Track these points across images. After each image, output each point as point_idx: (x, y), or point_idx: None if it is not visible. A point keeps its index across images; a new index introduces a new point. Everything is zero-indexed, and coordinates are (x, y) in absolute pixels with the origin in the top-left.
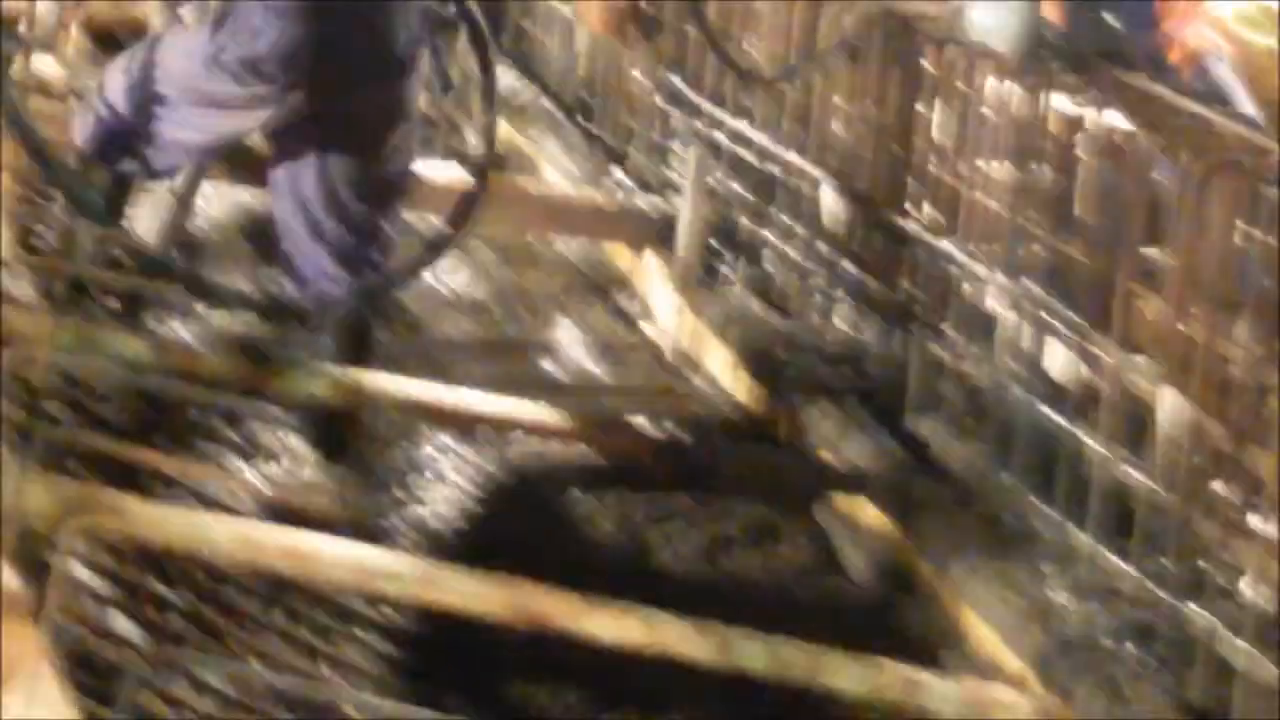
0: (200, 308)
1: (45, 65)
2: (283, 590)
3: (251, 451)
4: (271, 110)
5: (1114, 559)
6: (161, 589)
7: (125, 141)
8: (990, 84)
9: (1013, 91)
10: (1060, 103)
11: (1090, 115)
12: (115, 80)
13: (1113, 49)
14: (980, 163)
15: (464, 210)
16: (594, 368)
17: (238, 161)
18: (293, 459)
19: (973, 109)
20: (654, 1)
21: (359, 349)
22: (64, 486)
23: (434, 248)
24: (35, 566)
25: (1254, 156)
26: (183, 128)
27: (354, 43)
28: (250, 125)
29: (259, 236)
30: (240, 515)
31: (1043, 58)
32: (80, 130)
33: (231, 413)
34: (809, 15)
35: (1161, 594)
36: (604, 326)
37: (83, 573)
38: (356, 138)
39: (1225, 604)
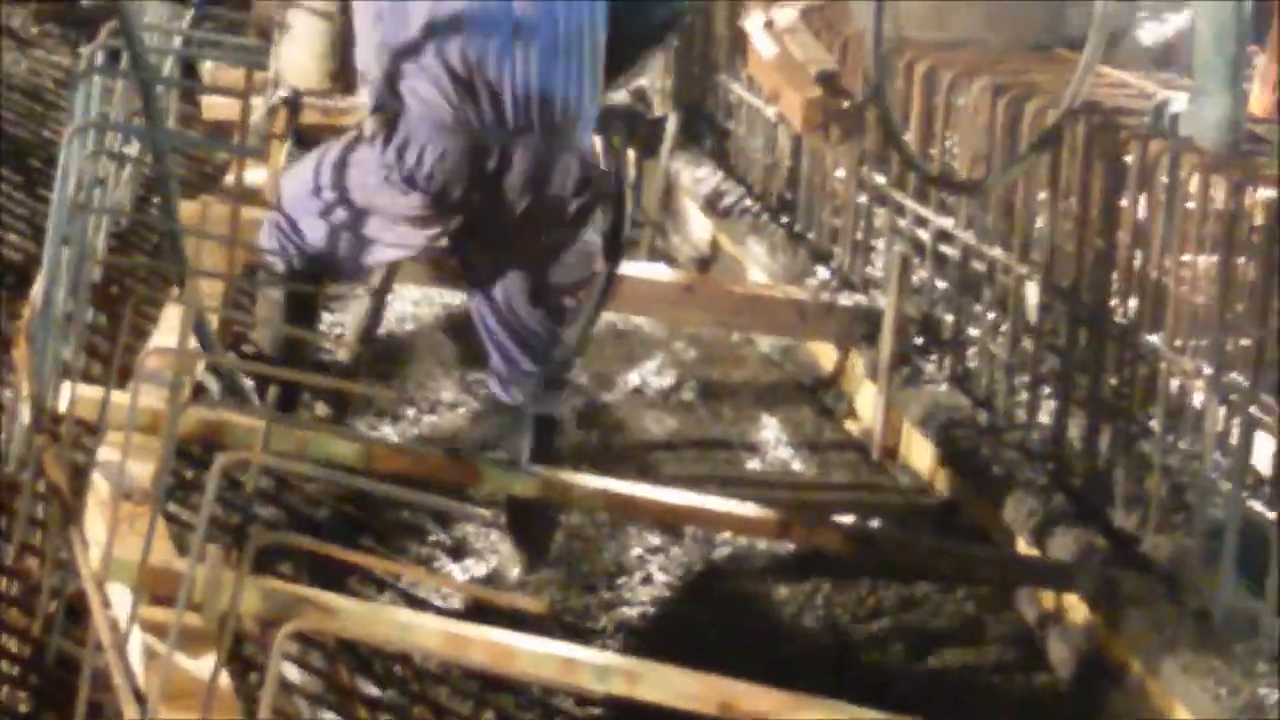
0: (407, 409)
1: (257, 175)
2: (493, 691)
3: (460, 552)
4: (437, 227)
5: None
6: (373, 690)
7: (306, 250)
8: (1194, 176)
9: (1217, 184)
10: (1266, 194)
11: None
12: (294, 189)
13: None
14: (1185, 256)
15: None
16: (798, 465)
17: (440, 264)
18: (500, 560)
19: (1177, 202)
20: (855, 101)
21: (560, 443)
22: (277, 589)
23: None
24: (248, 668)
25: None
26: (358, 238)
27: (511, 168)
28: (419, 241)
29: (461, 337)
30: (446, 613)
31: (1246, 151)
32: (266, 238)
33: (440, 513)
34: (1010, 113)
35: None
36: (808, 424)
37: (295, 674)
38: (525, 250)
39: None
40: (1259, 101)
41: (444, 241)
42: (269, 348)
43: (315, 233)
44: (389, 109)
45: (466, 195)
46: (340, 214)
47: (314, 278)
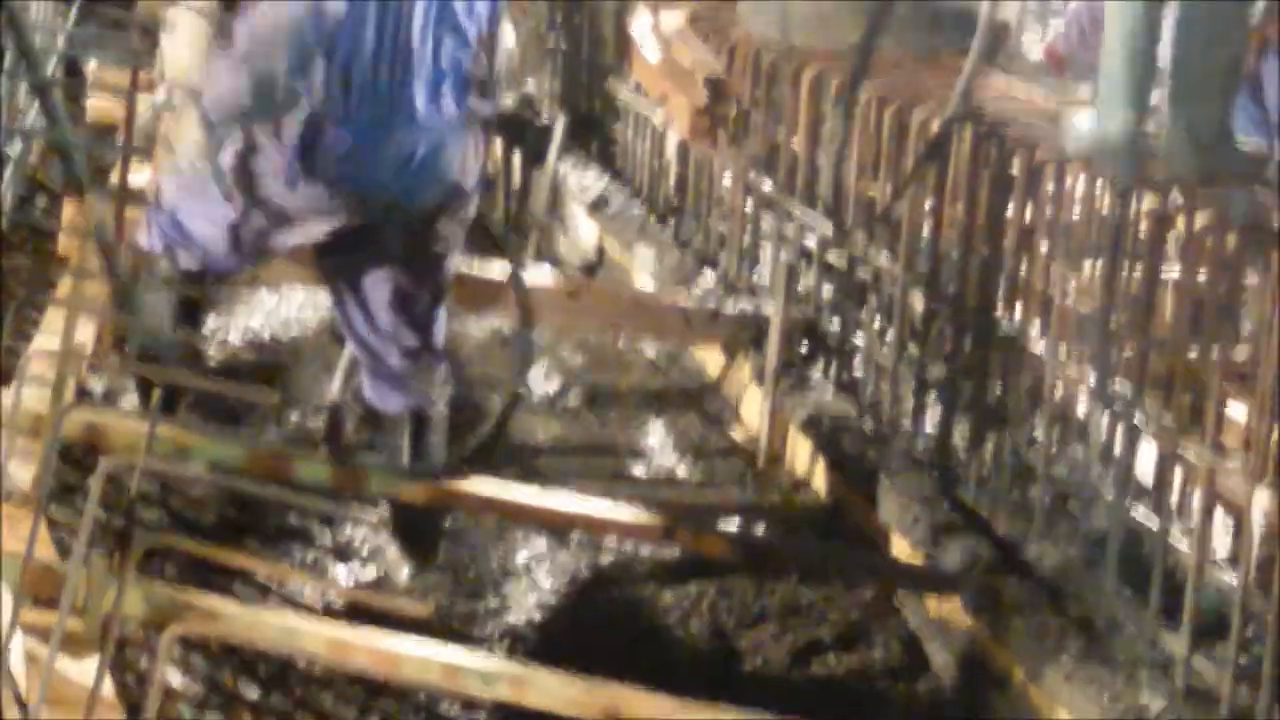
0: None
1: (141, 175)
2: (378, 695)
3: (346, 556)
4: (325, 223)
5: (1208, 662)
6: (256, 694)
7: (193, 248)
8: (1080, 186)
9: (1103, 193)
10: (1150, 203)
11: (1179, 216)
12: (181, 187)
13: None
14: (1070, 264)
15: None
16: (681, 469)
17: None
18: (385, 563)
19: (1062, 211)
20: (742, 108)
21: (442, 449)
22: (160, 592)
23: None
24: (132, 673)
25: None
26: (252, 233)
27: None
28: (315, 234)
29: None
30: (331, 617)
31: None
32: (148, 238)
33: (325, 516)
34: (897, 121)
35: (1256, 697)
36: (694, 430)
37: (179, 679)
38: (392, 251)
39: None
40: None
41: (317, 241)
42: (154, 349)
43: (204, 230)
44: (287, 107)
45: (359, 191)
46: (235, 210)
47: (199, 277)
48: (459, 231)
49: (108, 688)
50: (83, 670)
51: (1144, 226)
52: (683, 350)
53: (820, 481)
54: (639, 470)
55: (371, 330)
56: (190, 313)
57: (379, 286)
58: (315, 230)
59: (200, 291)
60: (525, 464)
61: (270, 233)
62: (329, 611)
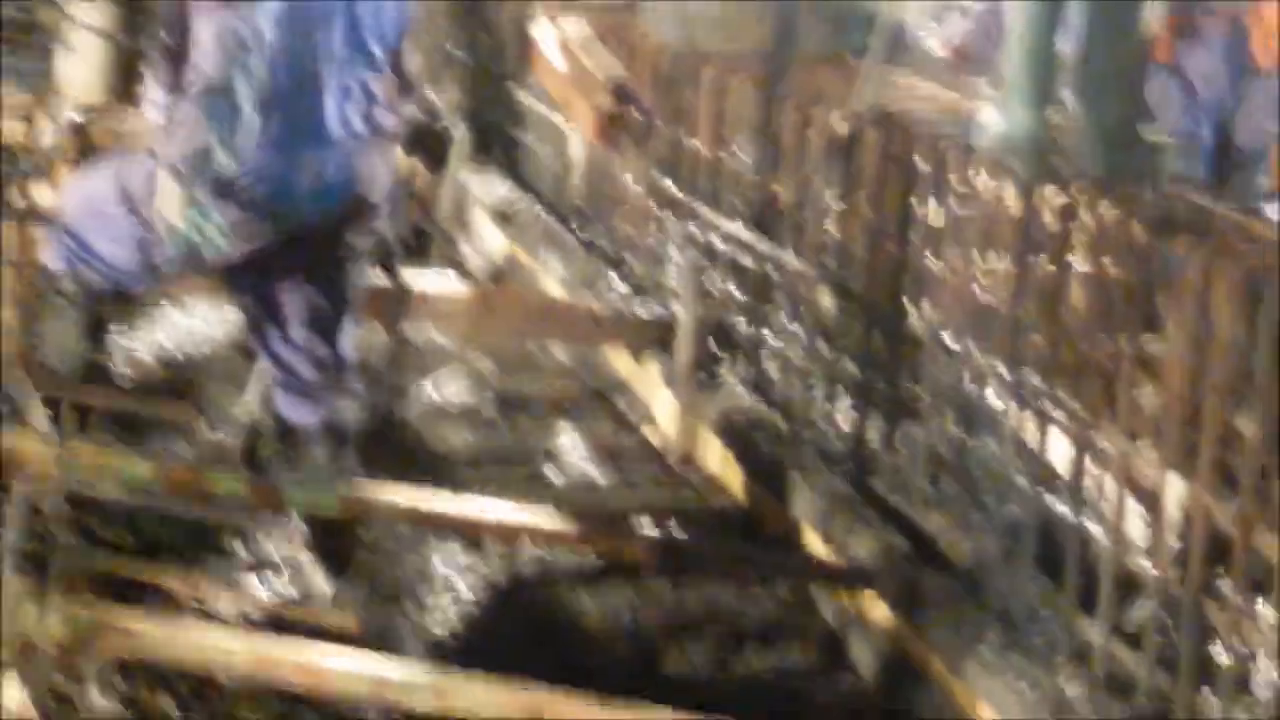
0: (202, 427)
1: (42, 192)
2: (296, 706)
3: (260, 567)
4: (244, 245)
5: (1125, 648)
6: (176, 712)
7: (101, 267)
8: (984, 178)
9: (1007, 186)
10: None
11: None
12: (87, 206)
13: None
14: (977, 257)
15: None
16: (595, 472)
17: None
18: (301, 573)
19: (968, 204)
20: (645, 109)
21: (356, 461)
22: (77, 611)
23: None
24: (50, 692)
25: (1254, 244)
26: (161, 251)
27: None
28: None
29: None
30: (251, 631)
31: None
32: (52, 255)
33: (239, 529)
34: (798, 118)
35: (1174, 683)
36: (604, 431)
37: (98, 697)
38: (303, 267)
39: (1238, 691)
40: (1267, 53)
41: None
42: (62, 369)
43: (110, 249)
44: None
45: (275, 210)
46: (144, 229)
47: (105, 294)
48: (367, 243)
49: (27, 707)
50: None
51: (1049, 221)
52: (593, 353)
53: (734, 481)
54: (554, 475)
55: (283, 344)
56: (97, 331)
57: (290, 300)
58: (233, 253)
59: (106, 309)
60: (440, 472)
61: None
62: (250, 626)
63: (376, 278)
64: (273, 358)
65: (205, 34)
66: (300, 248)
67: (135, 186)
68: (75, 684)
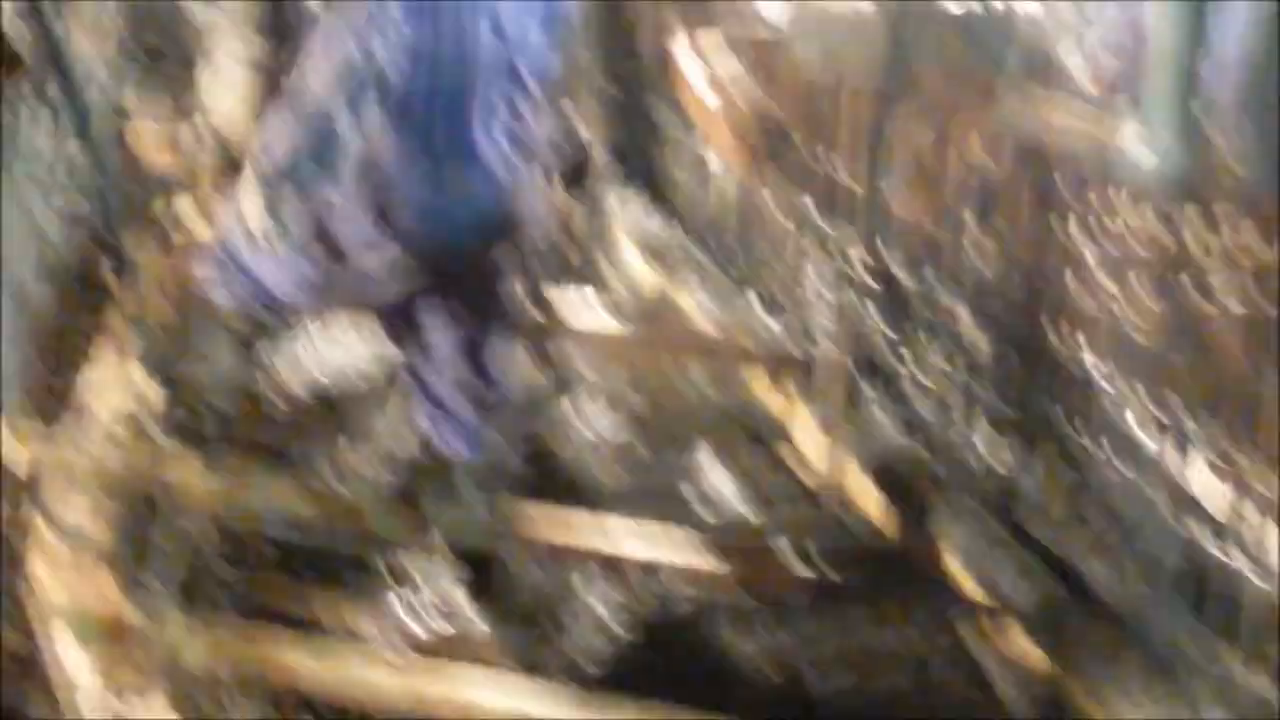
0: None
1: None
2: None
3: (407, 596)
4: (402, 279)
5: (1270, 683)
6: None
7: (258, 290)
8: (1129, 206)
9: (1150, 214)
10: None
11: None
12: (246, 229)
13: None
14: (1121, 285)
15: None
16: (742, 506)
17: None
18: (448, 603)
19: (1112, 232)
20: (792, 142)
21: (506, 493)
22: (226, 637)
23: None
24: (198, 716)
25: None
26: (312, 286)
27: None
28: (378, 296)
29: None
30: (399, 661)
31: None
32: (210, 279)
33: (388, 559)
34: (947, 151)
35: None
36: (751, 465)
37: None
38: (461, 296)
39: None
40: None
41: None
42: (213, 392)
43: (273, 277)
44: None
45: (428, 239)
46: (301, 257)
47: (262, 320)
48: (517, 267)
49: None
50: (151, 715)
51: (1197, 248)
52: (740, 387)
53: (882, 517)
54: (700, 509)
55: (435, 374)
56: (252, 358)
57: (442, 330)
58: (391, 288)
59: (262, 336)
60: (585, 503)
61: (346, 288)
62: (398, 656)
63: (527, 305)
64: (424, 388)
65: (318, 46)
66: (452, 275)
67: (306, 228)
68: (224, 710)
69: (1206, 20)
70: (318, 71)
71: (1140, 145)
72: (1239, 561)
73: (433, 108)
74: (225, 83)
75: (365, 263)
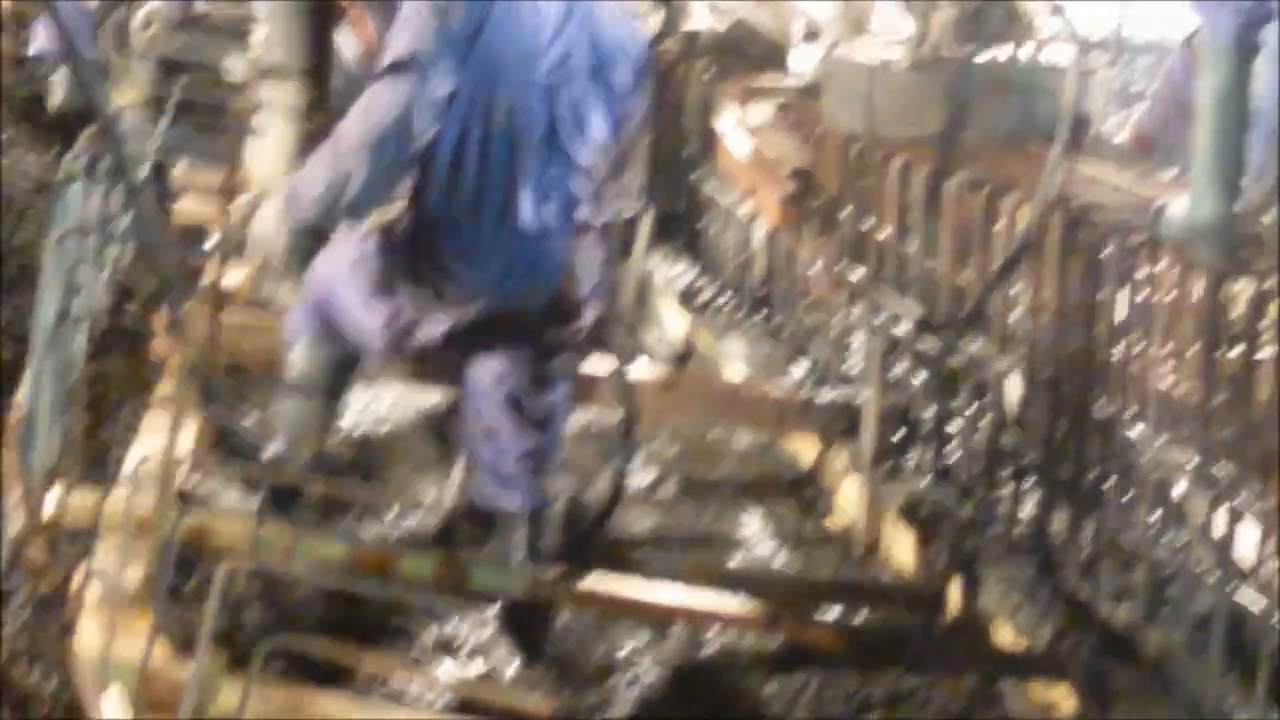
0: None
1: (232, 276)
2: None
3: (452, 651)
4: (456, 317)
5: None
6: None
7: (336, 338)
8: (1172, 269)
9: (1196, 276)
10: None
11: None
12: (340, 275)
13: None
14: (1167, 348)
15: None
16: (779, 557)
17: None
18: (493, 657)
19: (1157, 294)
20: (830, 199)
21: (551, 547)
22: (270, 690)
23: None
24: None
25: None
26: (405, 323)
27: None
28: (437, 331)
29: (442, 439)
30: (441, 714)
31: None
32: (295, 326)
33: (431, 611)
34: (988, 208)
35: None
36: (790, 519)
37: None
38: (522, 348)
39: None
40: None
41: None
42: (294, 454)
43: (356, 321)
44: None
45: (472, 288)
46: (383, 304)
47: (342, 368)
48: (578, 335)
49: None
50: None
51: (1240, 310)
52: (776, 440)
53: (919, 569)
54: (737, 560)
55: (484, 431)
56: (332, 415)
57: (497, 388)
58: (435, 329)
59: (342, 386)
60: (623, 555)
61: (410, 329)
62: (441, 709)
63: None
64: (471, 443)
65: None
66: (503, 333)
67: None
68: None
69: (1250, 84)
70: (350, 131)
71: (1184, 210)
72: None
73: (487, 178)
74: (270, 144)
75: (412, 300)
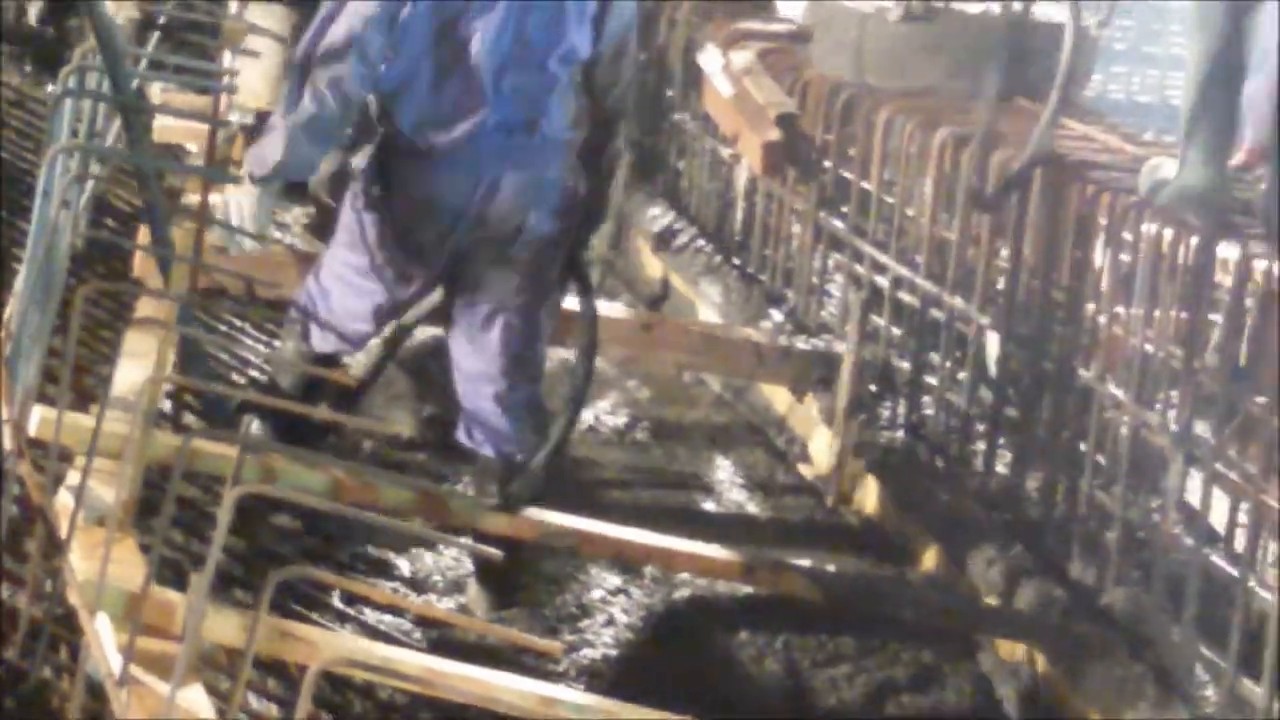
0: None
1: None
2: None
3: (424, 588)
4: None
5: None
6: None
7: (326, 327)
8: (1158, 230)
9: (1181, 239)
10: (1230, 250)
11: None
12: (335, 265)
13: None
14: (1148, 309)
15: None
16: (753, 507)
17: None
18: (467, 598)
19: (1141, 255)
20: (812, 143)
21: (529, 487)
22: (250, 617)
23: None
24: (218, 695)
25: None
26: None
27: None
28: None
29: (418, 372)
30: (421, 647)
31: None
32: (299, 301)
33: (409, 542)
34: (971, 160)
35: None
36: (762, 466)
37: (255, 703)
38: (507, 284)
39: None
40: None
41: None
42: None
43: (352, 309)
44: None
45: (446, 219)
46: (371, 277)
47: (326, 360)
48: (558, 261)
49: (204, 708)
50: (188, 699)
51: (1226, 275)
52: (749, 386)
53: (890, 522)
54: (708, 506)
55: (471, 375)
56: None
57: (484, 331)
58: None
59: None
60: (593, 497)
61: (395, 289)
62: (419, 641)
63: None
64: (463, 380)
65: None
66: (487, 271)
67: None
68: (254, 691)
69: (1242, 45)
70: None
71: (1173, 173)
72: (1263, 592)
73: (458, 99)
74: (262, 68)
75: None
